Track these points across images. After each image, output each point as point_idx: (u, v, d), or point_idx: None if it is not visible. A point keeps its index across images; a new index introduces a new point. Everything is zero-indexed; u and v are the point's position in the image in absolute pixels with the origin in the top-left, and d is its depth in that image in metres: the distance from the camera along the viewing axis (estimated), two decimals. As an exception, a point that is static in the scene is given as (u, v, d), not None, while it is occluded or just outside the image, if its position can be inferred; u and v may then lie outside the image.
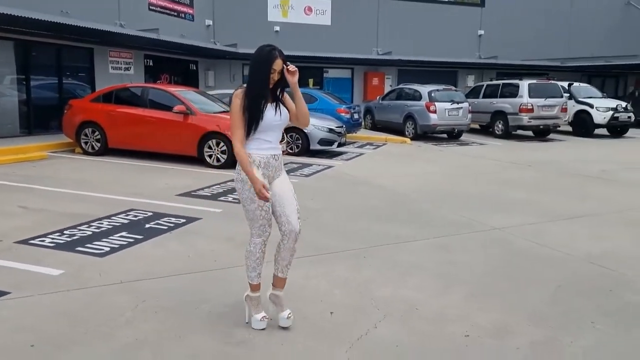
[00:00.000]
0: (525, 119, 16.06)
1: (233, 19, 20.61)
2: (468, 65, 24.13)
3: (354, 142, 14.73)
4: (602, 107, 17.19)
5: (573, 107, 17.51)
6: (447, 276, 4.37)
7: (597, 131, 17.54)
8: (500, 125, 16.83)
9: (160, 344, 3.12)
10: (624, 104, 17.63)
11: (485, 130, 17.99)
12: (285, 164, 3.33)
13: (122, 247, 4.88)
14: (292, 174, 9.09)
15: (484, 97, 17.69)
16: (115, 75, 15.55)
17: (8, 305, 3.60)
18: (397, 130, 16.55)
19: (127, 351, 3.03)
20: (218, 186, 7.91)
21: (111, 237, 5.15)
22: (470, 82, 23.73)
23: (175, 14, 18.34)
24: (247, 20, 20.68)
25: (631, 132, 18.14)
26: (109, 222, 5.71)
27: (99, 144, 10.68)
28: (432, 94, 15.62)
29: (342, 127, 12.56)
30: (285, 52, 3.18)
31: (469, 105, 16.14)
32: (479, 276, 4.40)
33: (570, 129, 18.04)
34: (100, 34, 13.40)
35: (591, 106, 17.27)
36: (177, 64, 19.18)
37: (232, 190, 7.58)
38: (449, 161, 11.75)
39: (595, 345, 3.24)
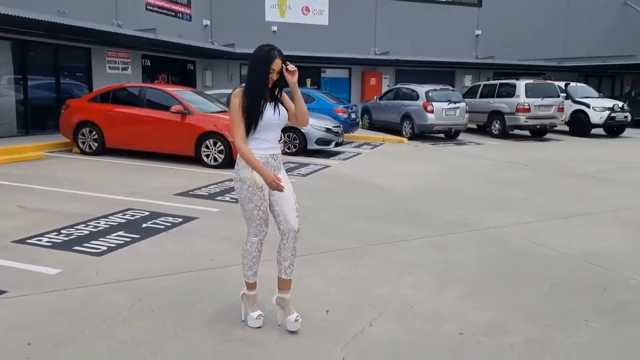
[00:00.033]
0: (522, 118, 16.11)
1: (230, 19, 20.62)
2: (465, 65, 24.17)
3: (352, 142, 14.75)
4: (598, 107, 17.24)
5: (570, 107, 17.56)
6: (443, 275, 4.39)
7: (594, 131, 17.60)
8: (497, 125, 16.87)
9: (157, 342, 3.13)
10: (620, 103, 17.68)
11: (483, 130, 18.03)
12: (282, 164, 3.35)
13: (119, 246, 4.89)
14: (289, 173, 9.08)
15: (481, 97, 17.74)
16: (113, 75, 15.56)
17: (5, 304, 3.61)
18: (394, 130, 16.58)
19: (124, 349, 3.04)
20: (215, 186, 7.92)
21: (108, 237, 5.16)
22: (468, 82, 23.77)
23: (173, 13, 18.35)
24: (244, 20, 20.69)
25: (628, 131, 18.20)
26: (106, 221, 5.72)
27: (96, 144, 10.69)
28: (430, 94, 15.66)
29: (339, 126, 12.59)
30: (283, 52, 3.20)
31: (466, 105, 16.18)
32: (475, 275, 4.43)
33: (567, 128, 18.09)
34: (98, 34, 13.40)
35: (588, 106, 17.32)
36: (174, 63, 19.19)
37: (230, 190, 7.60)
38: (446, 161, 11.78)
39: (589, 343, 3.26)
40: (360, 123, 17.24)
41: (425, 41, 22.72)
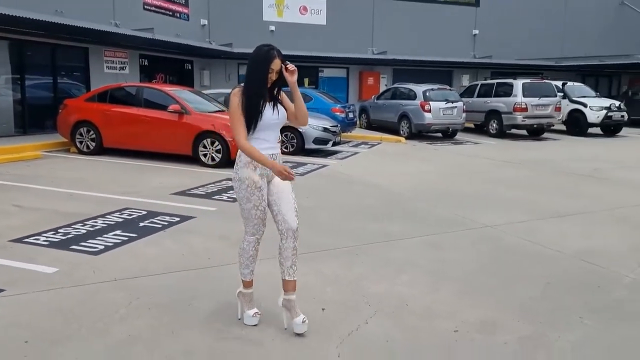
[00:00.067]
0: (519, 118, 16.14)
1: (228, 19, 20.63)
2: (463, 65, 24.21)
3: (349, 141, 14.78)
4: (595, 107, 17.29)
5: (567, 107, 17.61)
6: (438, 273, 4.42)
7: (591, 130, 17.65)
8: (494, 125, 16.91)
9: (154, 340, 3.16)
10: (617, 103, 17.74)
11: (480, 129, 18.06)
12: (282, 163, 3.36)
13: (116, 245, 4.91)
14: (286, 173, 9.11)
15: (478, 96, 17.77)
16: (111, 75, 15.57)
17: (3, 302, 3.63)
18: (392, 129, 16.61)
19: (121, 347, 3.07)
20: (212, 185, 7.94)
21: (105, 236, 5.18)
22: (465, 81, 23.81)
23: (171, 13, 18.35)
24: (242, 19, 20.71)
25: (624, 131, 18.25)
26: (103, 220, 5.74)
27: (93, 144, 10.70)
28: (427, 93, 15.69)
29: (336, 126, 12.61)
30: (281, 52, 3.21)
31: (464, 104, 16.22)
32: (470, 273, 4.45)
33: (564, 128, 18.13)
34: (95, 34, 13.41)
35: (585, 105, 17.37)
36: (172, 63, 19.20)
37: (227, 189, 7.63)
38: (443, 160, 11.81)
39: (583, 340, 3.29)
40: (357, 122, 17.27)
41: (422, 41, 22.76)
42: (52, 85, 14.01)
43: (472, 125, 18.38)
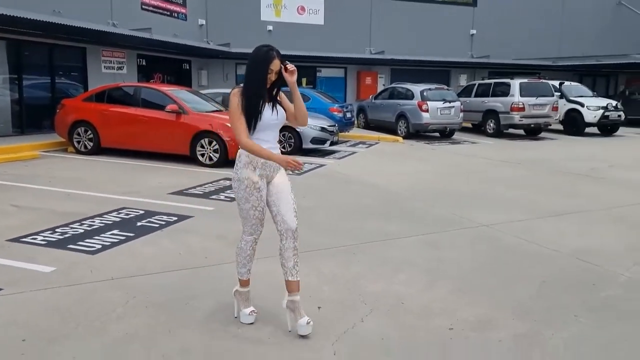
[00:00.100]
0: (516, 117, 16.18)
1: (226, 19, 20.64)
2: (460, 65, 24.24)
3: (347, 141, 14.80)
4: (592, 106, 17.33)
5: (564, 106, 17.65)
6: (434, 272, 4.44)
7: (588, 130, 17.68)
8: (491, 124, 16.94)
9: (151, 339, 3.17)
10: (614, 102, 17.78)
11: (477, 129, 18.09)
12: None
13: (113, 244, 4.92)
14: (284, 172, 9.12)
15: (475, 96, 17.80)
16: (108, 75, 15.57)
17: (0, 301, 3.63)
18: (389, 129, 16.63)
19: (118, 345, 3.08)
20: (210, 184, 7.95)
21: (103, 235, 5.19)
22: (463, 81, 23.85)
23: (168, 13, 18.35)
24: (240, 19, 20.72)
25: (621, 130, 18.30)
26: (100, 220, 5.75)
27: (91, 144, 10.70)
28: (425, 93, 15.71)
29: (334, 125, 12.62)
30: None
31: (461, 104, 16.25)
32: (466, 272, 4.48)
33: (561, 127, 18.18)
34: (93, 34, 13.40)
35: (582, 105, 17.41)
36: (170, 63, 19.20)
37: (224, 189, 7.64)
38: (441, 160, 11.83)
39: (577, 338, 3.31)
40: (355, 122, 17.29)
41: (420, 40, 22.79)
42: (49, 85, 14.01)
43: (469, 125, 18.42)
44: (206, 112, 10.22)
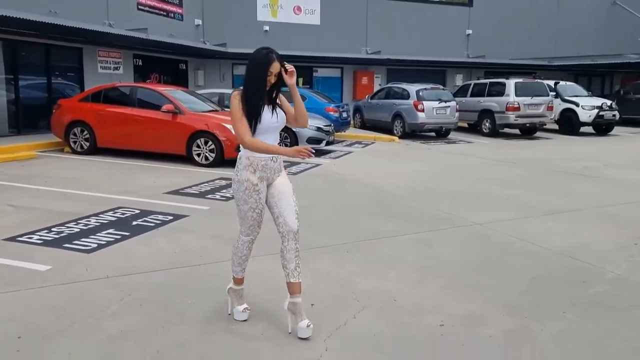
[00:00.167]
0: (511, 117, 16.25)
1: (222, 19, 20.66)
2: (456, 65, 24.32)
3: (343, 141, 14.85)
4: (587, 106, 17.41)
5: (559, 106, 17.73)
6: (427, 269, 4.49)
7: (583, 129, 17.76)
8: (487, 124, 17.01)
9: (146, 335, 3.21)
10: (609, 102, 17.86)
11: (473, 128, 18.17)
12: (283, 166, 3.40)
13: (109, 243, 4.96)
14: (279, 172, 9.16)
15: (471, 95, 17.88)
16: (104, 75, 15.58)
17: (-4, 299, 3.68)
18: (385, 128, 16.69)
19: (112, 342, 3.12)
20: (206, 184, 7.99)
21: (98, 234, 5.23)
22: (459, 81, 23.91)
23: (165, 13, 18.37)
24: (236, 19, 20.74)
25: (616, 130, 18.38)
26: (96, 219, 5.79)
27: (87, 144, 10.73)
28: (420, 93, 15.78)
29: (330, 125, 12.69)
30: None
31: (457, 103, 16.32)
32: (458, 269, 4.53)
33: (556, 127, 18.25)
34: (89, 34, 13.42)
35: (577, 105, 17.49)
36: (166, 63, 19.21)
37: (220, 188, 7.68)
38: (436, 159, 11.89)
39: (565, 333, 3.37)
40: (352, 122, 17.34)
41: (416, 40, 22.85)
42: (46, 86, 14.02)
43: (465, 125, 18.49)
44: (202, 112, 10.26)
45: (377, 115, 17.47)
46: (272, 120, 3.18)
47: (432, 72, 23.96)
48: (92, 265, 4.39)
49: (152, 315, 3.47)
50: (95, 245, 4.90)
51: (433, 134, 16.72)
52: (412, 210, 6.71)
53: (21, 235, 5.11)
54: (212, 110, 10.58)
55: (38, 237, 5.09)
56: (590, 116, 17.26)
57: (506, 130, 17.21)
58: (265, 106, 3.16)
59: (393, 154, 12.80)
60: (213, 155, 9.65)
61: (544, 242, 5.31)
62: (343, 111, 15.20)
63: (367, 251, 4.97)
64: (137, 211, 6.17)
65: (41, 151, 10.94)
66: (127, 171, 9.12)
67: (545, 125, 17.23)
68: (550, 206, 6.97)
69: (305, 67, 21.87)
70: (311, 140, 11.93)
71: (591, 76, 26.56)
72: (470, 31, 24.33)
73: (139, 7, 17.00)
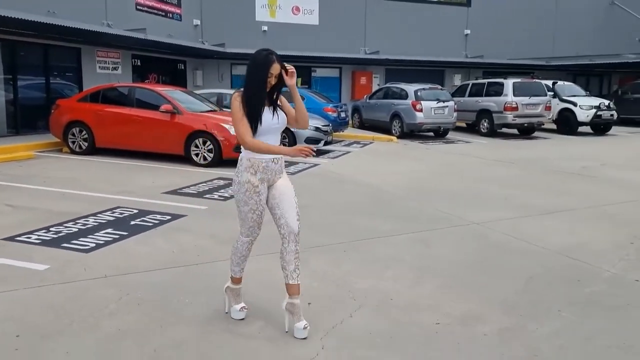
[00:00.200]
0: (510, 117, 16.28)
1: (221, 19, 20.68)
2: (455, 65, 24.35)
3: (341, 141, 14.86)
4: (585, 106, 17.45)
5: (557, 106, 17.76)
6: (424, 269, 4.51)
7: (581, 129, 17.78)
8: (485, 124, 17.04)
9: (143, 334, 3.23)
10: (606, 102, 17.90)
11: (471, 128, 18.18)
12: (284, 167, 3.41)
13: (107, 243, 4.98)
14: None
15: (469, 95, 17.90)
16: (103, 75, 15.59)
17: (-6, 299, 3.70)
18: (384, 128, 16.71)
19: (110, 341, 3.14)
20: (204, 184, 8.01)
21: (97, 234, 5.24)
22: (457, 80, 23.94)
23: (163, 13, 18.39)
24: (235, 20, 20.77)
25: (614, 129, 18.41)
26: (94, 219, 5.80)
27: (86, 144, 10.74)
28: (418, 93, 15.80)
29: (328, 125, 12.71)
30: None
31: (455, 103, 16.34)
32: (455, 269, 4.55)
33: (554, 127, 18.29)
34: (88, 34, 13.43)
35: (575, 104, 17.52)
36: (165, 63, 19.23)
37: (218, 188, 7.70)
38: (434, 159, 11.91)
39: (559, 332, 3.39)
40: (350, 122, 17.36)
41: (415, 40, 22.88)
42: (44, 86, 14.03)
43: (463, 125, 18.50)
44: (200, 112, 10.28)
45: (375, 115, 17.49)
46: (273, 121, 3.19)
47: (431, 72, 24.00)
48: (90, 264, 4.40)
49: (149, 315, 3.49)
50: (94, 244, 4.92)
51: (431, 133, 16.75)
52: (410, 210, 6.73)
53: (20, 235, 5.13)
54: (211, 111, 10.60)
55: (36, 236, 5.11)
56: (588, 116, 17.30)
57: (504, 130, 17.25)
58: (266, 107, 3.17)
59: (391, 153, 12.82)
60: (211, 155, 9.66)
61: (541, 241, 5.33)
62: (341, 111, 15.22)
63: (365, 250, 4.99)
64: (136, 211, 6.19)
65: (40, 151, 10.95)
66: (125, 171, 9.13)
67: (543, 125, 17.25)
68: (548, 206, 6.99)
69: (304, 67, 21.88)
70: (309, 140, 11.96)
71: (589, 76, 26.61)
72: (468, 31, 24.37)
73: (138, 7, 17.01)
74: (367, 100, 18.42)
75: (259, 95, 3.12)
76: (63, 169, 9.26)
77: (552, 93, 17.73)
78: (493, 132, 16.83)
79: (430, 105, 15.63)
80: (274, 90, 3.21)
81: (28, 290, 3.85)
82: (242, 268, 3.48)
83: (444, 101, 15.94)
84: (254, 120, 3.11)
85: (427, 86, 16.51)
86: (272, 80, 3.15)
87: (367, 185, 8.43)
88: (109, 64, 16.06)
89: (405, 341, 3.22)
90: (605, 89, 26.50)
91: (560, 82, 18.86)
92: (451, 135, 16.87)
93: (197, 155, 9.77)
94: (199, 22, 20.43)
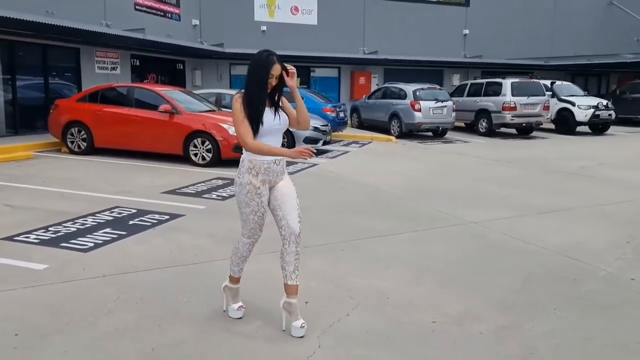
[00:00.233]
0: (508, 117, 16.31)
1: (220, 19, 20.69)
2: (453, 64, 24.36)
3: (340, 141, 14.88)
4: (583, 105, 17.47)
5: (555, 105, 17.78)
6: (422, 268, 4.53)
7: (579, 129, 17.82)
8: (484, 123, 17.06)
9: (141, 333, 3.25)
10: (605, 101, 17.93)
11: (470, 128, 18.21)
12: (285, 168, 3.42)
13: (105, 242, 5.00)
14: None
15: (468, 95, 17.93)
16: (102, 75, 15.60)
17: (-7, 298, 3.71)
18: (382, 128, 16.73)
19: (108, 340, 3.15)
20: (203, 184, 8.02)
21: (95, 234, 5.26)
22: (456, 80, 23.97)
23: (162, 13, 18.39)
24: (233, 20, 20.78)
25: (612, 129, 18.44)
26: (93, 219, 5.82)
27: (85, 144, 10.75)
28: (417, 93, 15.83)
29: (327, 125, 12.72)
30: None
31: (454, 103, 16.36)
32: (453, 268, 4.57)
33: (552, 126, 18.31)
34: (87, 34, 13.44)
35: (573, 104, 17.54)
36: (164, 63, 19.24)
37: (217, 188, 7.72)
38: (433, 159, 11.93)
39: (555, 330, 3.41)
40: (349, 122, 17.37)
41: (413, 40, 22.90)
42: (43, 86, 14.04)
43: (462, 124, 18.52)
44: (199, 112, 10.29)
45: (374, 115, 17.52)
46: (274, 122, 3.19)
47: (430, 72, 24.02)
48: (88, 264, 4.42)
49: (148, 314, 3.50)
50: (92, 244, 4.93)
51: (430, 133, 16.78)
52: (408, 210, 6.75)
53: (18, 235, 5.14)
54: (209, 110, 10.61)
55: (35, 236, 5.12)
56: (586, 116, 17.33)
57: (503, 129, 17.28)
58: (268, 108, 3.17)
59: (390, 153, 12.84)
60: (210, 155, 9.68)
61: (539, 240, 5.35)
62: (340, 111, 15.24)
63: (363, 250, 5.01)
64: (134, 211, 6.20)
65: (38, 151, 10.95)
66: (124, 171, 9.14)
67: (542, 124, 17.28)
68: (546, 205, 7.02)
69: (303, 67, 21.86)
70: (308, 140, 11.96)
71: (588, 76, 26.64)
72: (467, 31, 24.38)
73: (136, 7, 17.01)
74: (366, 100, 18.44)
75: (260, 96, 3.12)
76: (62, 168, 9.27)
77: (551, 93, 17.76)
78: (491, 132, 16.85)
79: (429, 105, 15.65)
80: (275, 91, 3.21)
81: (27, 289, 3.87)
82: (241, 268, 3.49)
83: (442, 101, 15.97)
84: (255, 121, 3.11)
85: (425, 86, 16.54)
86: (273, 81, 3.15)
87: (366, 185, 8.45)
88: (107, 64, 16.07)
89: (402, 340, 3.24)
90: (603, 89, 26.53)
91: (558, 82, 18.90)
92: (450, 135, 16.89)
93: (195, 155, 9.79)
94: (197, 22, 20.44)
